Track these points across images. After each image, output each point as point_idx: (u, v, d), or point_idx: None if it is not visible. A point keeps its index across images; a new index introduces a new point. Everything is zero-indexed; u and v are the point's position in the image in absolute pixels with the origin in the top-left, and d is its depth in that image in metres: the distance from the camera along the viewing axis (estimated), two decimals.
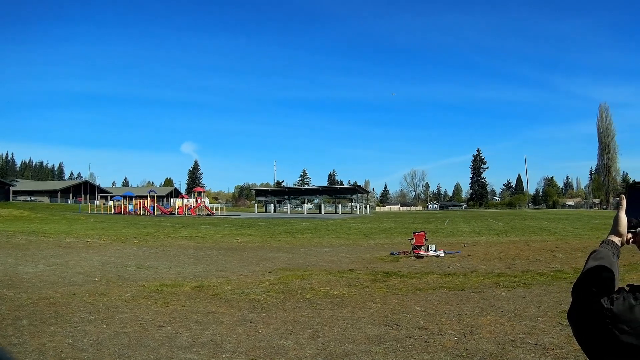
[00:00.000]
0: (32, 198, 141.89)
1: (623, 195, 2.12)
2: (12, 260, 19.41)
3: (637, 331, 1.71)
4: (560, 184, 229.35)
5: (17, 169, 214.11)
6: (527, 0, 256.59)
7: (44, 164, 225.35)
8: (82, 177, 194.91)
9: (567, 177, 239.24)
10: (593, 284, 1.92)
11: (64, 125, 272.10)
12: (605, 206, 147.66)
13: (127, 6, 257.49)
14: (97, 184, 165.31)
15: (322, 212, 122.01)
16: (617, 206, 2.14)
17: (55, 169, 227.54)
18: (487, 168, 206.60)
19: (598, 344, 1.80)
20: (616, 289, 1.90)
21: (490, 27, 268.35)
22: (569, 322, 1.96)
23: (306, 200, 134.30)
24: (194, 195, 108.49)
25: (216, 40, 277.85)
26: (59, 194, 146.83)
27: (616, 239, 2.10)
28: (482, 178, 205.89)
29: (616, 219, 2.11)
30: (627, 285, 1.88)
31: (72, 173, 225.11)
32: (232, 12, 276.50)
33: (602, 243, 2.14)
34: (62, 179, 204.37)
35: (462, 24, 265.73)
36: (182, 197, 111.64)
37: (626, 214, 2.10)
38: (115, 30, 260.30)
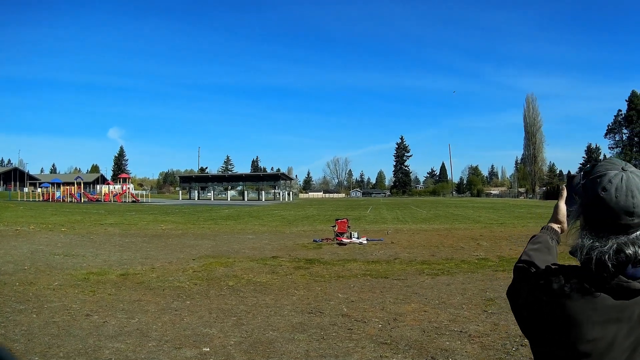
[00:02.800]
0: None
1: (564, 186, 2.28)
2: None
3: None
4: (485, 172, 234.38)
5: None
6: None
7: None
8: (12, 163, 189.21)
9: (492, 166, 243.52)
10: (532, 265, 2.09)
11: None
12: (531, 195, 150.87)
13: None
14: (27, 171, 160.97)
15: (246, 199, 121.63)
16: (558, 196, 2.30)
17: None
18: (410, 156, 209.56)
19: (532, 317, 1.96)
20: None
21: (418, 16, 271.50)
22: (507, 298, 2.12)
23: (230, 187, 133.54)
24: (120, 182, 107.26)
25: (143, 25, 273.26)
26: None
27: (556, 226, 2.28)
28: (406, 166, 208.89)
29: (556, 208, 2.29)
30: (553, 265, 2.00)
31: (2, 159, 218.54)
32: None
33: (542, 229, 2.31)
34: None
35: (390, 11, 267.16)
36: (108, 184, 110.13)
37: (565, 203, 2.26)
38: (40, 12, 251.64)
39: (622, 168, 1.87)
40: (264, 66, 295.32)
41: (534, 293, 1.91)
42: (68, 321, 9.12)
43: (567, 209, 2.25)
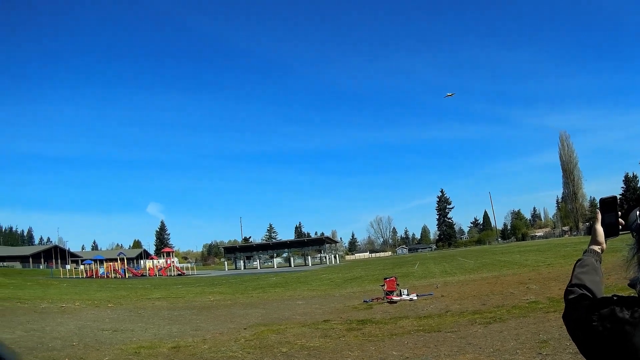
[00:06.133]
0: (4, 264, 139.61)
1: (598, 210, 2.47)
2: None
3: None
4: (527, 215, 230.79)
5: None
6: (470, 35, 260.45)
7: (14, 229, 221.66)
8: (51, 241, 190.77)
9: (534, 208, 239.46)
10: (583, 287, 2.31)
11: (31, 190, 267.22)
12: (575, 232, 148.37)
13: (84, 65, 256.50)
14: (67, 248, 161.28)
15: (292, 265, 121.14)
16: (593, 220, 2.51)
17: (25, 234, 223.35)
18: (452, 208, 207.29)
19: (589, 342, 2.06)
20: (601, 291, 2.29)
21: (437, 65, 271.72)
22: (564, 322, 2.26)
23: (275, 254, 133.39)
24: (164, 255, 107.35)
25: (173, 99, 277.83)
26: (30, 259, 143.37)
27: (597, 248, 2.47)
28: (449, 218, 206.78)
29: (594, 231, 2.48)
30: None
31: (41, 238, 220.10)
32: (187, 69, 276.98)
33: (584, 252, 2.49)
34: (32, 244, 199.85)
35: (411, 63, 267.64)
36: (152, 259, 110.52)
37: (601, 224, 2.46)
38: (72, 91, 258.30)
39: None
40: (296, 131, 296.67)
41: (594, 318, 2.02)
42: None
43: (603, 230, 2.45)
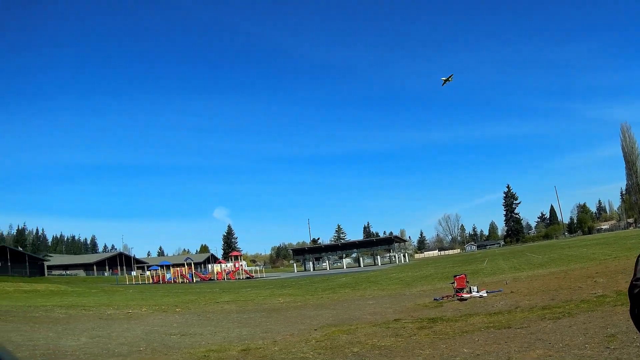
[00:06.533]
0: (68, 272, 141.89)
1: None
2: (53, 334, 19.00)
3: None
4: (593, 209, 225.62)
5: (49, 243, 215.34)
6: (527, 31, 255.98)
7: (76, 237, 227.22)
8: (116, 249, 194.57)
9: (599, 201, 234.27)
10: None
11: (93, 199, 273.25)
12: None
13: (151, 71, 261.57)
14: (132, 255, 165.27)
15: (362, 265, 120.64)
16: None
17: (88, 242, 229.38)
18: (519, 203, 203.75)
19: None
20: None
21: (496, 61, 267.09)
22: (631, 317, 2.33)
23: (344, 255, 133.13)
24: (231, 259, 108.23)
25: (235, 103, 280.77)
26: (95, 267, 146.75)
27: None
28: (516, 213, 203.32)
29: None
30: None
31: (105, 245, 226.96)
32: (248, 73, 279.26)
33: None
34: (95, 252, 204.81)
35: (468, 62, 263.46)
36: (220, 262, 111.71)
37: None
38: (139, 98, 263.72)
39: None
40: (361, 133, 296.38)
41: None
42: None
43: None
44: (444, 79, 69.73)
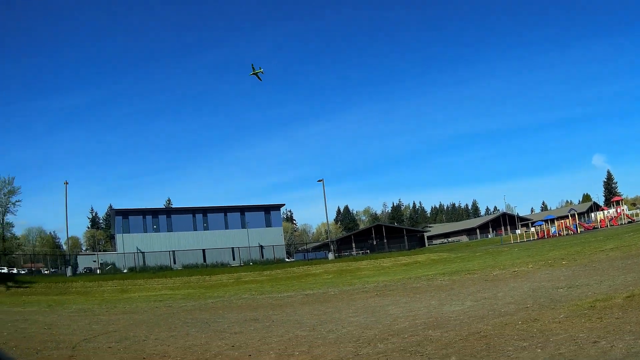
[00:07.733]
0: (449, 239, 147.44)
1: None
2: (435, 302, 19.28)
3: None
4: None
5: (428, 215, 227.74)
6: None
7: (457, 205, 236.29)
8: (499, 210, 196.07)
9: None
10: None
11: (472, 168, 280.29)
12: None
13: None
14: (516, 214, 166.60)
15: None
16: None
17: (470, 207, 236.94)
18: None
19: None
20: None
21: None
22: None
23: None
24: (613, 205, 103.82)
25: None
26: (477, 231, 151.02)
27: None
28: None
29: None
30: None
31: (487, 208, 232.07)
32: None
33: None
34: (478, 216, 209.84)
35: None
36: (602, 210, 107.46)
37: None
38: None
39: None
40: None
41: None
42: (574, 351, 8.74)
43: None
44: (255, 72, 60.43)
